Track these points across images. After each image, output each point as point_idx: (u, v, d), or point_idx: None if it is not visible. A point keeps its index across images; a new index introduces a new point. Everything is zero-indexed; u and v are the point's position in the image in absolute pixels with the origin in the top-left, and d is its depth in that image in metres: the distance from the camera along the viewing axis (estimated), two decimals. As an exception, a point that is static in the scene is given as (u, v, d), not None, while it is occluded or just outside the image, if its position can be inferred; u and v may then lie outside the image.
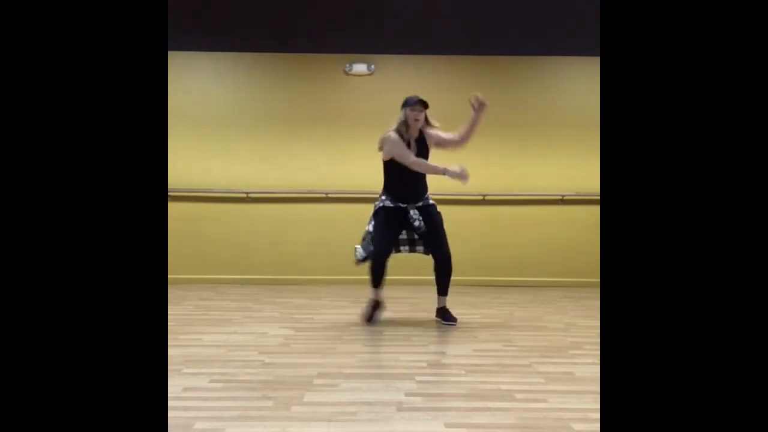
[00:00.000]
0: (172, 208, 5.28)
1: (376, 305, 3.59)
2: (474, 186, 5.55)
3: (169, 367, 2.43)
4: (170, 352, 2.71)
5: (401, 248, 3.60)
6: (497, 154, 5.54)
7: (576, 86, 5.55)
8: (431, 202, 3.54)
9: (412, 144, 3.47)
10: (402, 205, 3.44)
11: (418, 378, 2.38)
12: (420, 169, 3.42)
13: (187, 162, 5.40)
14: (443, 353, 2.82)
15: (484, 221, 5.51)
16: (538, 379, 2.41)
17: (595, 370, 2.52)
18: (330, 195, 5.40)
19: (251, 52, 5.47)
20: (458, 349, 2.90)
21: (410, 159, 3.39)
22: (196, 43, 5.30)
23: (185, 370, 2.45)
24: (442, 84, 5.54)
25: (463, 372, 2.49)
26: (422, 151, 3.49)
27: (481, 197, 5.50)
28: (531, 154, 5.54)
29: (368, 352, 2.84)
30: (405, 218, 3.44)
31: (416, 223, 3.41)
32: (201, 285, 5.24)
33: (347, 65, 5.46)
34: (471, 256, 5.49)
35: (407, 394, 2.17)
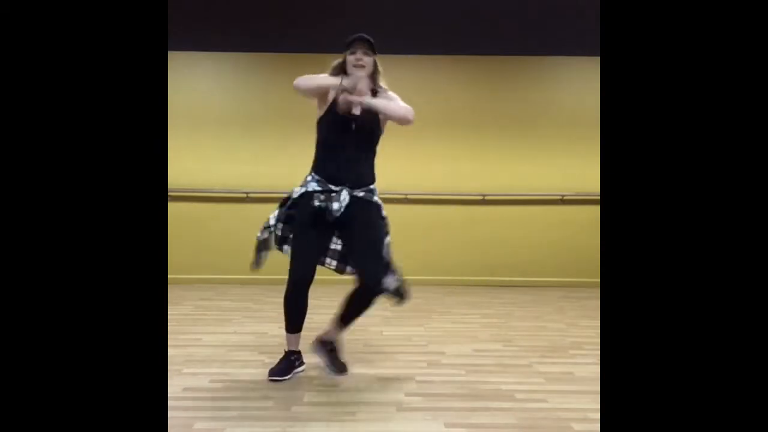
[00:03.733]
0: (172, 208, 5.28)
1: (291, 357, 2.46)
2: (474, 186, 5.56)
3: (169, 367, 2.43)
4: (170, 352, 2.71)
5: (326, 260, 2.45)
6: (497, 154, 5.54)
7: (576, 86, 5.55)
8: (376, 198, 2.41)
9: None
10: (334, 188, 2.31)
11: (418, 378, 2.38)
12: (305, 83, 2.38)
13: (187, 162, 5.40)
14: (443, 353, 2.82)
15: (484, 221, 5.51)
16: (538, 379, 2.41)
17: (595, 370, 2.52)
18: (330, 195, 5.39)
19: (251, 52, 5.47)
20: (458, 349, 2.90)
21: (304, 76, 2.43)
22: (196, 43, 5.30)
23: (185, 370, 2.45)
24: (442, 84, 5.53)
25: (463, 372, 2.49)
26: (372, 119, 2.39)
27: (481, 197, 5.50)
28: (531, 154, 5.54)
29: (368, 352, 2.84)
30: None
31: (335, 205, 2.27)
32: (201, 285, 5.24)
33: (347, 65, 5.46)
34: (471, 256, 5.49)
35: (407, 394, 2.17)
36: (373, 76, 2.42)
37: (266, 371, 2.44)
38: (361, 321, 3.58)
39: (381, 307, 4.09)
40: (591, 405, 2.07)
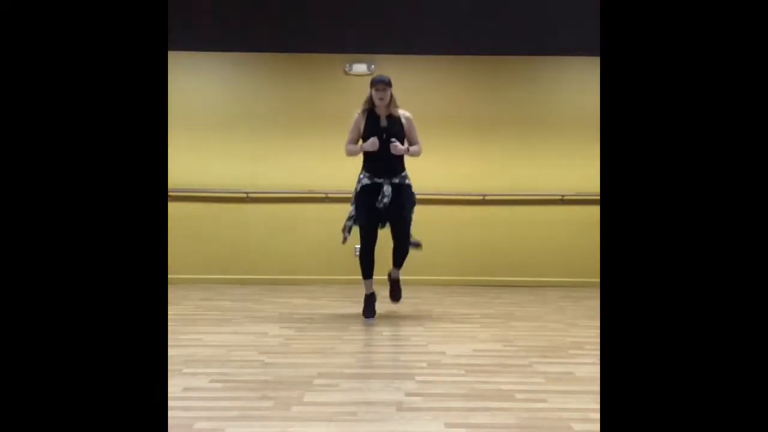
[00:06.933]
0: (172, 208, 5.27)
1: (369, 299, 3.77)
2: (474, 186, 5.56)
3: (169, 367, 2.43)
4: (170, 352, 2.71)
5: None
6: (497, 154, 5.54)
7: (575, 86, 5.55)
8: (408, 182, 3.64)
9: (383, 119, 3.58)
10: (378, 181, 3.56)
11: (418, 378, 2.38)
12: (348, 153, 3.68)
13: (187, 162, 5.40)
14: (443, 353, 2.82)
15: (484, 221, 5.51)
16: (538, 379, 2.41)
17: (595, 370, 2.52)
18: (330, 195, 5.40)
19: (251, 52, 5.47)
20: (458, 349, 2.90)
21: (345, 144, 3.70)
22: (196, 43, 5.30)
23: (185, 370, 2.45)
24: (442, 84, 5.53)
25: (463, 372, 2.49)
26: (397, 129, 3.58)
27: (481, 197, 5.50)
28: (531, 154, 5.54)
29: (368, 352, 2.84)
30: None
31: (385, 200, 3.51)
32: (201, 285, 5.24)
33: (347, 65, 5.46)
34: (471, 256, 5.49)
35: (407, 394, 2.17)
36: (390, 102, 3.57)
37: (266, 371, 2.44)
38: (360, 321, 3.60)
39: (380, 308, 4.10)
40: (591, 405, 2.07)
